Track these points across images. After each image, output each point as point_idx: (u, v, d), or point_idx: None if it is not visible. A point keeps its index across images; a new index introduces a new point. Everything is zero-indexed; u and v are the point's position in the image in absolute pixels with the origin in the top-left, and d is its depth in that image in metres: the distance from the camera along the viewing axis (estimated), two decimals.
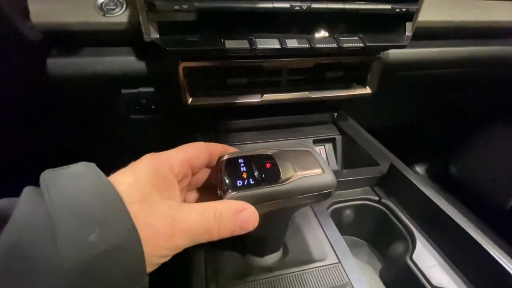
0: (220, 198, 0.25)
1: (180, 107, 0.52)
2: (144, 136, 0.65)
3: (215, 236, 0.23)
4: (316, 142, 0.63)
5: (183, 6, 0.38)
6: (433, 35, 0.63)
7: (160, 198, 0.22)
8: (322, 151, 0.64)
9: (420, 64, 0.63)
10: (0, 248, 0.16)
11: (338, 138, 0.63)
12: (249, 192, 0.25)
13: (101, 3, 0.47)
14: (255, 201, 0.25)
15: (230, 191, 0.25)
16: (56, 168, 0.21)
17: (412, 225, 0.43)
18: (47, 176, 0.20)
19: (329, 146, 0.64)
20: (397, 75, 0.65)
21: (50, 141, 0.65)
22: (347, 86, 0.59)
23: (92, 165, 0.21)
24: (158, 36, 0.41)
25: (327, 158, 0.64)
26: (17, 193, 0.20)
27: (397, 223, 0.44)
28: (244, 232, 0.24)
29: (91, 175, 0.20)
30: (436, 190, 1.25)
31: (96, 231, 0.17)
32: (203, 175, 0.32)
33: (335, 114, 0.66)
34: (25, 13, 0.45)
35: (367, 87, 0.59)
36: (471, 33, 0.65)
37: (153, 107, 0.55)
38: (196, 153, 0.28)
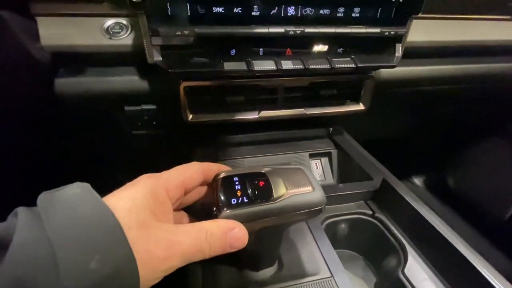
0: (215, 215, 0.27)
1: (181, 123, 0.54)
2: (144, 150, 0.67)
3: (207, 255, 0.24)
4: (312, 156, 0.65)
5: (185, 32, 0.41)
6: (423, 54, 0.66)
7: (157, 222, 0.23)
8: (319, 165, 0.66)
9: (411, 81, 0.65)
10: (4, 281, 0.16)
11: (334, 152, 0.65)
12: (242, 211, 0.26)
13: (108, 27, 0.50)
14: (249, 219, 0.26)
15: (225, 209, 0.26)
16: (52, 190, 0.21)
17: (404, 239, 0.44)
18: (44, 198, 0.20)
19: (325, 160, 0.66)
20: (389, 92, 0.67)
21: (51, 153, 0.67)
22: (341, 103, 0.61)
23: (87, 186, 0.22)
24: (161, 58, 0.43)
25: (323, 172, 0.65)
26: (15, 200, 0.21)
27: (390, 237, 0.45)
28: (234, 250, 0.25)
29: (88, 198, 0.21)
30: (434, 201, 1.26)
31: (96, 258, 0.18)
32: (194, 194, 0.33)
33: (331, 129, 0.68)
34: (35, 35, 0.48)
35: (361, 104, 0.61)
36: (459, 52, 0.67)
37: (154, 123, 0.58)
38: (192, 175, 0.29)
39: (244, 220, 0.26)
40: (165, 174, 0.28)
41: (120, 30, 0.50)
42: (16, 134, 0.58)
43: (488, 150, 1.09)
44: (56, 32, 0.47)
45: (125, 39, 0.49)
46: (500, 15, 0.72)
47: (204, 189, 0.33)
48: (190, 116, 0.54)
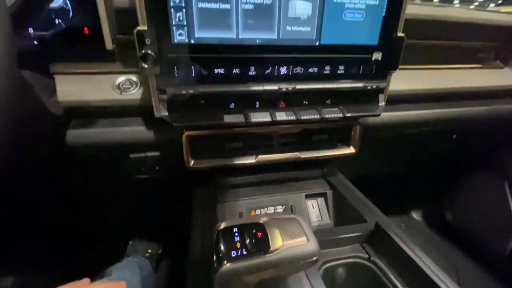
0: (215, 268, 0.29)
1: (182, 168, 0.57)
2: (146, 193, 0.69)
3: None
4: (308, 196, 0.67)
5: (190, 91, 0.46)
6: (407, 100, 0.72)
7: None
8: (315, 205, 0.68)
9: (397, 126, 0.70)
10: None
11: (329, 192, 0.68)
12: (242, 264, 0.28)
13: (119, 83, 0.55)
14: (248, 272, 0.28)
15: (225, 262, 0.28)
16: None
17: (400, 284, 0.45)
18: None
19: (321, 200, 0.68)
20: (378, 135, 0.72)
21: (59, 196, 0.68)
22: (333, 146, 0.65)
23: None
24: (167, 113, 0.48)
25: (319, 212, 0.67)
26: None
27: (386, 282, 0.46)
28: None
29: None
30: (433, 236, 1.25)
31: None
32: None
33: (325, 169, 0.71)
34: (51, 89, 0.53)
35: (351, 147, 0.65)
36: (439, 97, 0.74)
37: (157, 168, 0.61)
38: None
39: (244, 272, 0.28)
40: None
41: (130, 86, 0.55)
42: (27, 180, 0.60)
43: (479, 184, 1.12)
44: (71, 89, 0.52)
45: (134, 94, 0.54)
46: (472, 64, 0.81)
47: None
48: (192, 162, 0.57)
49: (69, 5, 0.50)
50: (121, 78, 0.56)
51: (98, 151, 0.54)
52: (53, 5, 0.50)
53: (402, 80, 0.68)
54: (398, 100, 0.70)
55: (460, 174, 1.13)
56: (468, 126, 0.78)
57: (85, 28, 0.52)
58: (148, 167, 0.59)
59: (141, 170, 0.60)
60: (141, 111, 0.55)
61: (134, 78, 0.56)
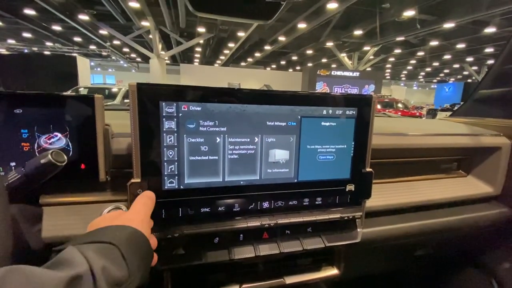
0: None
1: None
2: None
3: None
4: None
5: (175, 234, 0.48)
6: (382, 214, 0.76)
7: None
8: None
9: (376, 241, 0.73)
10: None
11: None
12: None
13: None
14: None
15: None
16: None
17: None
18: None
19: None
20: (360, 250, 0.73)
21: None
22: (318, 268, 0.65)
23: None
24: None
25: None
26: None
27: None
28: None
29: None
30: None
31: None
32: None
33: None
34: (36, 219, 0.53)
35: (334, 268, 0.66)
36: (414, 209, 0.79)
37: None
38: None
39: None
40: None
41: None
42: None
43: (469, 281, 1.10)
44: (57, 223, 0.53)
45: None
46: (437, 174, 0.89)
47: None
48: None
49: (70, 146, 0.55)
50: (110, 207, 0.57)
51: None
52: (55, 146, 0.54)
53: (376, 196, 0.74)
54: (375, 215, 0.74)
55: (453, 270, 1.12)
56: (444, 236, 0.82)
57: (82, 164, 0.56)
58: None
59: None
60: None
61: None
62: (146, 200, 0.44)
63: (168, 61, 15.07)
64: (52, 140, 0.54)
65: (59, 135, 0.53)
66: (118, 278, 0.29)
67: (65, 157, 0.42)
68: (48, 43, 13.65)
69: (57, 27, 11.04)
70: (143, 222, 0.39)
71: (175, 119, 0.46)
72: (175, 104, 0.46)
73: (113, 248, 0.31)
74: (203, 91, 0.47)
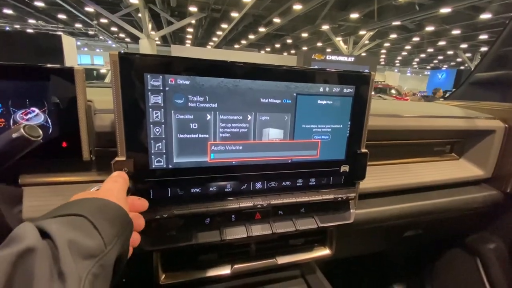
0: None
1: (152, 285, 0.53)
2: None
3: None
4: None
5: (164, 215, 0.46)
6: (375, 195, 0.76)
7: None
8: None
9: (369, 222, 0.73)
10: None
11: None
12: None
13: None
14: None
15: None
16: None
17: None
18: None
19: None
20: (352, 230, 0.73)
21: None
22: (310, 248, 0.65)
23: None
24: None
25: None
26: None
27: None
28: None
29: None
30: None
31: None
32: None
33: (303, 269, 0.69)
34: (16, 201, 0.51)
35: (327, 248, 0.66)
36: (405, 191, 0.79)
37: (124, 280, 0.56)
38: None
39: None
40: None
41: None
42: None
43: (455, 260, 1.14)
44: (39, 204, 0.50)
45: None
46: (430, 157, 0.89)
47: None
48: (163, 276, 0.54)
49: (49, 122, 0.51)
50: (95, 188, 0.55)
51: None
52: (33, 122, 0.51)
53: (369, 177, 0.73)
54: (367, 196, 0.73)
55: (440, 250, 1.15)
56: (434, 217, 0.83)
57: (63, 142, 0.52)
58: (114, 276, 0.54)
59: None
60: None
61: None
62: (116, 178, 0.41)
63: (158, 42, 14.54)
64: (29, 115, 0.50)
65: (37, 110, 0.49)
66: (91, 249, 0.27)
67: (40, 132, 0.39)
68: (31, 21, 12.90)
69: (39, 3, 10.41)
70: (118, 199, 0.36)
71: (162, 93, 0.43)
72: (161, 76, 0.42)
73: (82, 219, 0.29)
74: (192, 62, 0.44)
